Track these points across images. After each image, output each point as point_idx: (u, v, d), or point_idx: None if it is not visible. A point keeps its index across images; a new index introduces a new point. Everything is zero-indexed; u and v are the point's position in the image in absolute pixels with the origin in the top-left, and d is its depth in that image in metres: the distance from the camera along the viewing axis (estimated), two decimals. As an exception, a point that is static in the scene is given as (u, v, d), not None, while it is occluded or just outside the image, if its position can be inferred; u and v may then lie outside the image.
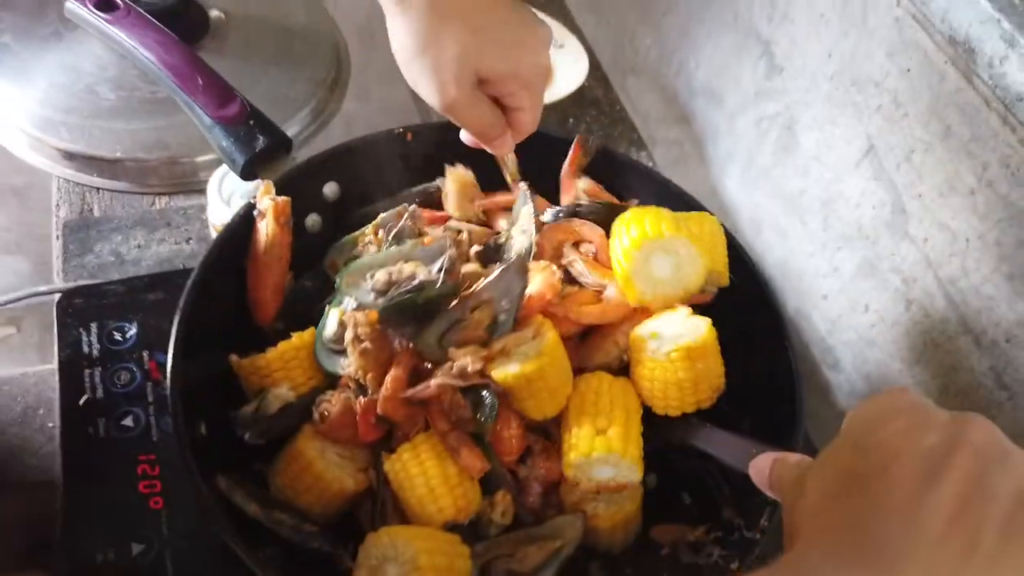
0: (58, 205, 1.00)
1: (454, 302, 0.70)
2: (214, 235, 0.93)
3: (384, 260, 0.75)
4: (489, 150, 0.78)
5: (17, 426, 0.89)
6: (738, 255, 0.88)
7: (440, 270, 0.73)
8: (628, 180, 0.91)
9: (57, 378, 0.77)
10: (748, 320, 0.84)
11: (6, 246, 1.92)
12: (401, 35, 0.67)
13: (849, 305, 1.03)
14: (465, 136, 0.78)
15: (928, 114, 0.87)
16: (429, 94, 0.69)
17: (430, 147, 0.83)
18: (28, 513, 0.88)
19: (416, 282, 0.70)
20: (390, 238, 0.77)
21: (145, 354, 0.80)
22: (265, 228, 0.76)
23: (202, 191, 1.03)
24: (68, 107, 1.01)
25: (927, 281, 0.91)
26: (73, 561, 0.68)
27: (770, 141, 1.14)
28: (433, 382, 0.66)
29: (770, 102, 1.13)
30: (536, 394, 0.69)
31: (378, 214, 0.81)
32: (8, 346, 2.06)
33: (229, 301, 0.76)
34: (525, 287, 0.70)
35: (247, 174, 0.78)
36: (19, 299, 0.90)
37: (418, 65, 0.68)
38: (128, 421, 0.76)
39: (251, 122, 0.77)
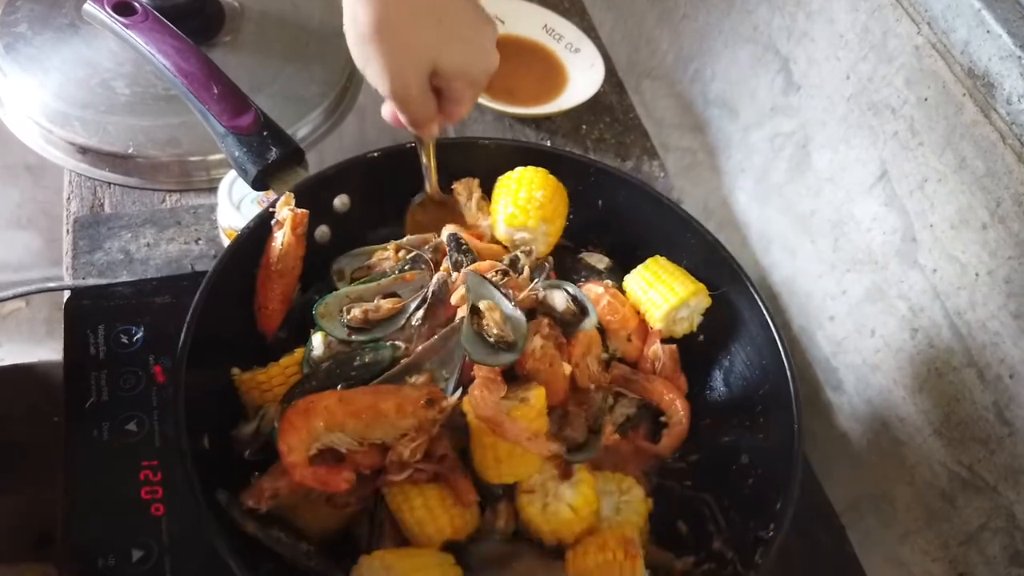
0: (69, 198, 1.00)
1: (391, 370, 0.71)
2: (223, 238, 0.93)
3: (362, 294, 0.76)
4: (413, 132, 0.76)
5: (24, 421, 0.90)
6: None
7: (420, 306, 0.74)
8: (675, 234, 0.89)
9: (63, 379, 0.78)
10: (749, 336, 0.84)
11: (18, 221, 1.93)
12: (360, 12, 0.64)
13: (855, 328, 1.03)
14: (387, 113, 0.76)
15: (944, 144, 0.86)
16: (379, 78, 0.67)
17: (441, 161, 0.83)
18: (36, 507, 0.90)
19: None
20: (407, 258, 0.78)
21: (151, 358, 0.80)
22: (281, 238, 0.76)
23: (212, 190, 1.03)
24: (83, 101, 1.01)
25: (934, 311, 0.91)
26: (74, 566, 0.69)
27: (784, 158, 1.13)
28: (388, 479, 0.67)
29: (786, 119, 1.12)
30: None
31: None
32: (17, 320, 2.07)
33: (237, 309, 0.77)
34: (465, 356, 0.70)
35: (259, 185, 0.78)
36: (29, 293, 0.90)
37: (374, 47, 0.65)
38: (132, 426, 0.76)
39: (264, 133, 0.77)
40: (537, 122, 1.23)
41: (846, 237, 1.03)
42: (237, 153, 0.77)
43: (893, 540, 1.01)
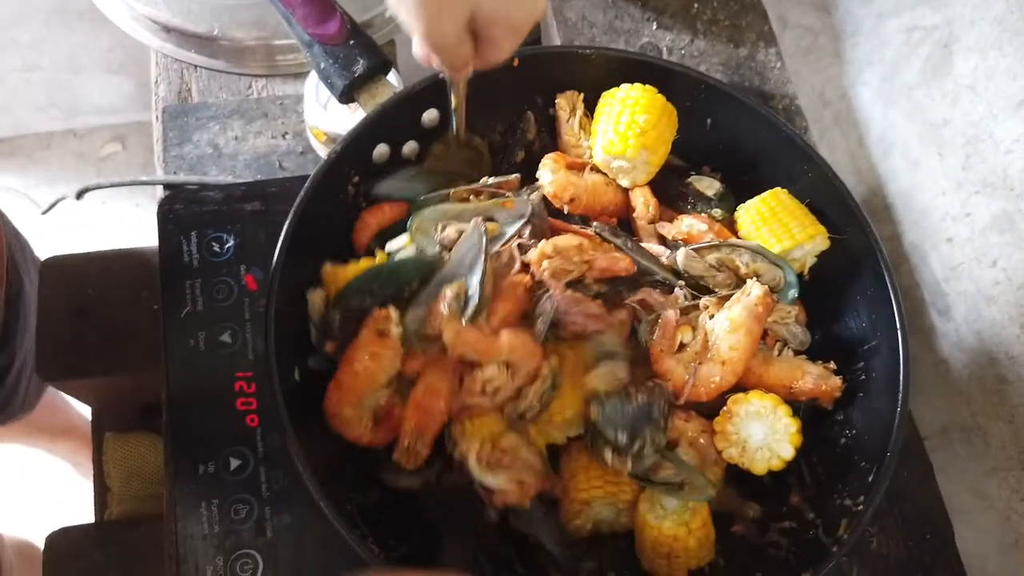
0: (157, 81, 0.98)
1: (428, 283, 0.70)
2: (311, 136, 0.91)
3: (460, 213, 0.72)
4: (448, 75, 0.71)
5: (126, 306, 0.94)
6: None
7: (519, 231, 0.70)
8: (793, 166, 0.81)
9: (160, 288, 0.79)
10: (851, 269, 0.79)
11: (109, 66, 1.94)
12: None
13: (975, 255, 0.96)
14: (419, 52, 0.69)
15: (1118, 70, 0.75)
16: (413, 21, 0.62)
17: (539, 76, 0.76)
18: (143, 383, 0.95)
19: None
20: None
21: (242, 268, 0.81)
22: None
23: (299, 76, 1.00)
24: (166, -23, 0.97)
25: (1069, 253, 0.83)
26: (176, 474, 0.73)
27: (920, 56, 1.01)
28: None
29: (929, 10, 0.98)
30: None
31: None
32: (115, 162, 2.13)
33: (327, 227, 0.75)
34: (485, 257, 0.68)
35: (345, 98, 0.74)
36: (124, 183, 0.91)
37: None
38: (226, 337, 0.78)
39: (351, 42, 0.72)
40: (643, 0, 1.12)
41: (980, 156, 0.93)
42: (323, 65, 0.73)
43: (980, 472, 0.99)
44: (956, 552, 0.91)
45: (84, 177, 2.08)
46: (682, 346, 0.73)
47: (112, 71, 1.96)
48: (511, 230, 0.71)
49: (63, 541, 0.90)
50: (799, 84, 1.21)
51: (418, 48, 0.68)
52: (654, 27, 1.11)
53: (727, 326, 0.71)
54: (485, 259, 0.68)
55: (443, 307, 0.66)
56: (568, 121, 0.81)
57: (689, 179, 0.85)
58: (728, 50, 1.11)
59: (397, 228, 0.78)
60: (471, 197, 0.76)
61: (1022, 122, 0.87)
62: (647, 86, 0.78)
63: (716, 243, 0.78)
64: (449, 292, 0.66)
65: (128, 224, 1.96)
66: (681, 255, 0.77)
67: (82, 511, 1.58)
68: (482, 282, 0.67)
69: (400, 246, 0.77)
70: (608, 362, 0.69)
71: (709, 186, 0.83)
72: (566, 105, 0.82)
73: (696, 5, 1.14)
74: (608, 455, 0.66)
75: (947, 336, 1.02)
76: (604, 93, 0.79)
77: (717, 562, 0.70)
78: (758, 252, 0.77)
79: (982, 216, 0.94)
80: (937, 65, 0.98)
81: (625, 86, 0.78)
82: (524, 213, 0.71)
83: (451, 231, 0.73)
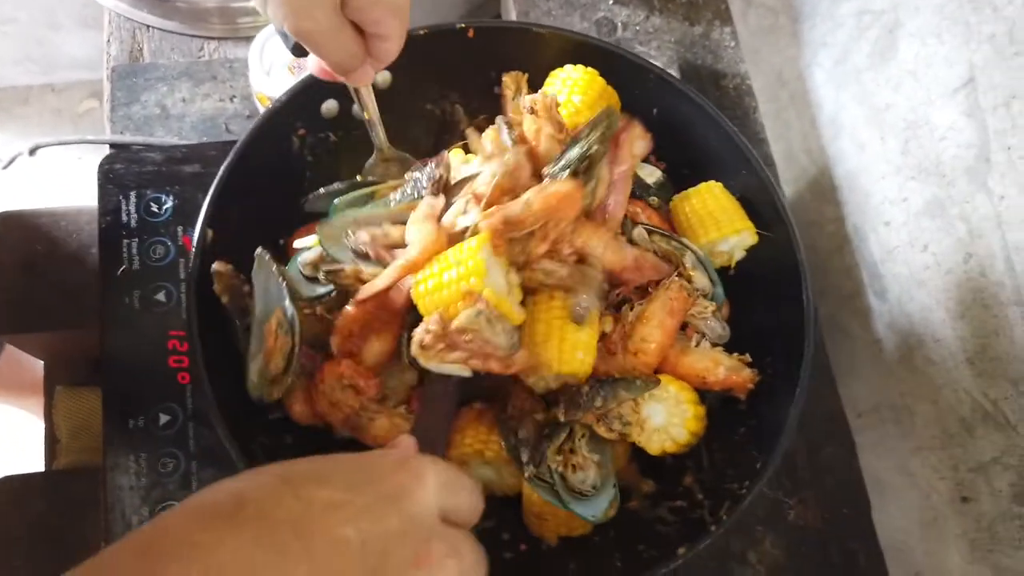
0: (109, 40, 0.99)
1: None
2: (256, 102, 0.92)
3: (370, 218, 0.71)
4: (346, 82, 0.68)
5: (73, 262, 0.96)
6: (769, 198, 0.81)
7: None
8: (730, 162, 0.82)
9: (98, 244, 0.81)
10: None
11: (85, 21, 1.93)
12: None
13: (908, 239, 0.97)
14: (315, 66, 0.68)
15: (1042, 61, 0.76)
16: (281, 16, 0.57)
17: (492, 51, 0.77)
18: (88, 341, 0.96)
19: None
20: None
21: (180, 229, 0.82)
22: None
23: (250, 40, 1.00)
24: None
25: (992, 240, 0.85)
26: (109, 427, 0.75)
27: (868, 39, 1.02)
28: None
29: (877, -6, 0.99)
30: None
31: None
32: (92, 119, 2.13)
33: (258, 195, 0.76)
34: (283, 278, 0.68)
35: (299, 51, 0.74)
36: (71, 142, 0.92)
37: None
38: (161, 296, 0.80)
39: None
40: (604, -27, 1.13)
41: (917, 141, 0.94)
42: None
43: (906, 451, 1.01)
44: (872, 526, 0.94)
45: (62, 133, 2.09)
46: (604, 335, 0.75)
47: (89, 26, 1.95)
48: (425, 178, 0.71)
49: (6, 489, 0.92)
50: (758, 64, 1.22)
51: (311, 60, 0.65)
52: (611, 2, 1.11)
53: (644, 319, 0.73)
54: (283, 280, 0.67)
55: (272, 339, 0.66)
56: (513, 99, 0.83)
57: (631, 164, 0.86)
58: (683, 28, 1.12)
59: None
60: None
61: (955, 110, 0.88)
62: (588, 68, 0.79)
63: (669, 235, 0.80)
64: (273, 322, 0.67)
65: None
66: (636, 232, 0.79)
67: (34, 461, 1.61)
68: (293, 301, 0.67)
69: (309, 244, 0.75)
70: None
71: (650, 174, 0.85)
72: (511, 84, 0.83)
73: (654, -20, 1.14)
74: None
75: (882, 317, 1.05)
76: (551, 72, 0.81)
77: (592, 538, 0.73)
78: (701, 262, 0.79)
79: (916, 201, 0.95)
80: (883, 50, 0.99)
81: (568, 67, 0.80)
82: (436, 164, 0.71)
83: (364, 236, 0.70)
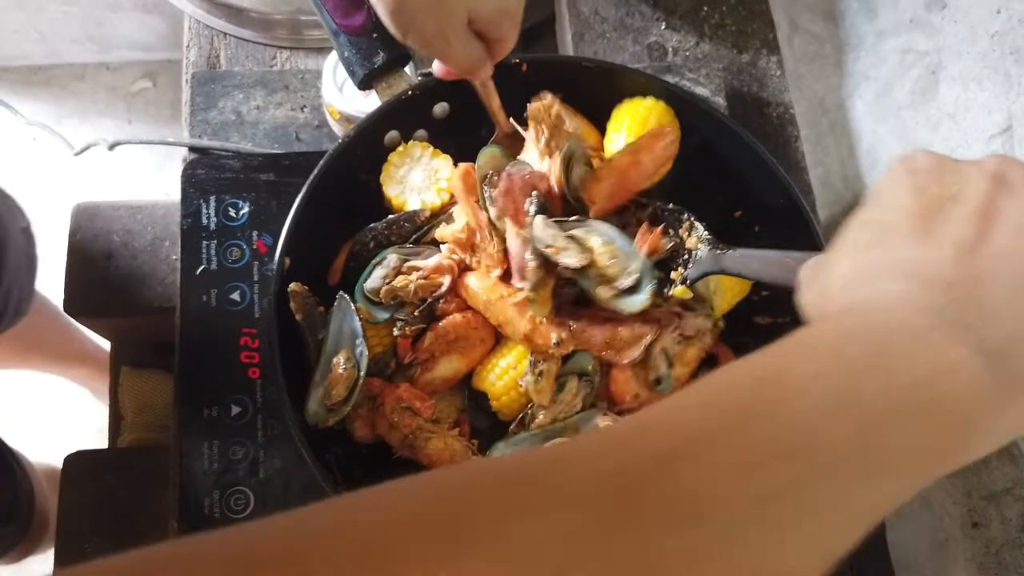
0: (188, 46, 1.05)
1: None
2: (326, 113, 0.97)
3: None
4: (470, 79, 0.78)
5: (147, 254, 1.02)
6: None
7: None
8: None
9: (180, 246, 0.87)
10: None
11: (144, 5, 1.99)
12: None
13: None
14: (440, 70, 0.79)
15: (1078, 120, 0.80)
16: (421, 44, 0.70)
17: (545, 81, 0.82)
18: (153, 327, 1.03)
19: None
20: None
21: (254, 233, 0.88)
22: None
23: (321, 51, 1.06)
24: (202, -54, 1.02)
25: (1019, 283, 0.89)
26: (183, 415, 0.82)
27: (911, 78, 1.06)
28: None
29: (923, 36, 1.03)
30: None
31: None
32: (145, 99, 2.20)
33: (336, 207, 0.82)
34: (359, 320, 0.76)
35: (364, 86, 0.81)
36: (154, 142, 0.98)
37: (407, 17, 0.67)
38: (236, 295, 0.86)
39: (374, 35, 0.78)
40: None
41: (952, 182, 0.98)
42: (347, 53, 0.79)
43: (923, 474, 1.06)
44: (885, 544, 1.00)
45: (114, 112, 2.16)
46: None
47: (147, 10, 2.01)
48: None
49: (79, 464, 1.00)
50: (801, 88, 1.26)
51: (436, 65, 0.77)
52: (663, 27, 1.16)
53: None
54: (360, 322, 0.75)
55: (337, 369, 0.74)
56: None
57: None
58: (731, 55, 1.16)
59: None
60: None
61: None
62: (660, 103, 0.84)
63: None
64: (341, 356, 0.74)
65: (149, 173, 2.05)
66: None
67: (96, 436, 1.69)
68: (364, 338, 0.74)
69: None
70: None
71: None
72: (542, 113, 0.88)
73: (705, 8, 1.18)
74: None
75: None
76: (628, 100, 0.86)
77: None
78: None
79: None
80: (924, 89, 1.03)
81: (652, 99, 0.85)
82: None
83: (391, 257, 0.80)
